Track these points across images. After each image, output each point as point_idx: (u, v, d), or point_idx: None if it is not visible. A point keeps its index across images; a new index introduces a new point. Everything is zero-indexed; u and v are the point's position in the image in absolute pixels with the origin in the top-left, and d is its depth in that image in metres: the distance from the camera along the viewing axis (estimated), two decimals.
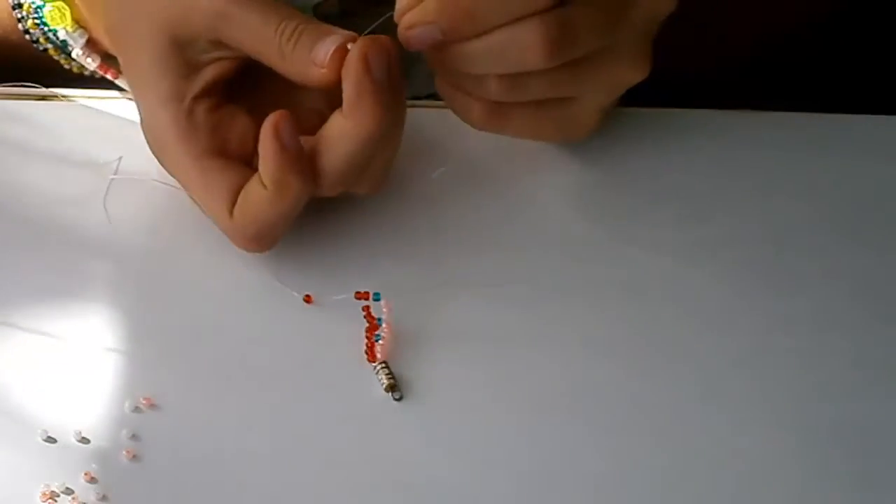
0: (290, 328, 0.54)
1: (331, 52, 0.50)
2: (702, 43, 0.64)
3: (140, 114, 0.54)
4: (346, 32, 0.51)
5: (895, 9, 0.69)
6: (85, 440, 0.50)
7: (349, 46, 0.50)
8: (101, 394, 0.51)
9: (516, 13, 0.50)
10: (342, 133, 0.51)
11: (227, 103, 0.54)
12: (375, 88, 0.50)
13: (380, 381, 0.52)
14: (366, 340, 0.53)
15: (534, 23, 0.50)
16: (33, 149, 0.59)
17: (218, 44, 0.52)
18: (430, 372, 0.53)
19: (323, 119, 0.52)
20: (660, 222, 0.58)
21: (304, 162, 0.51)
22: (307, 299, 0.54)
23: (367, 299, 0.54)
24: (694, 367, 0.53)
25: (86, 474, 0.49)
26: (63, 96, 0.60)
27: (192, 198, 0.54)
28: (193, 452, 0.50)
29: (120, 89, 0.60)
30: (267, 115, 0.51)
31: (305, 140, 0.51)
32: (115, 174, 0.58)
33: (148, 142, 0.54)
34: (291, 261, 0.56)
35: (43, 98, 0.61)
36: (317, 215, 0.57)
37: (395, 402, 0.52)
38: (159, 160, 0.54)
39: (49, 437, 0.50)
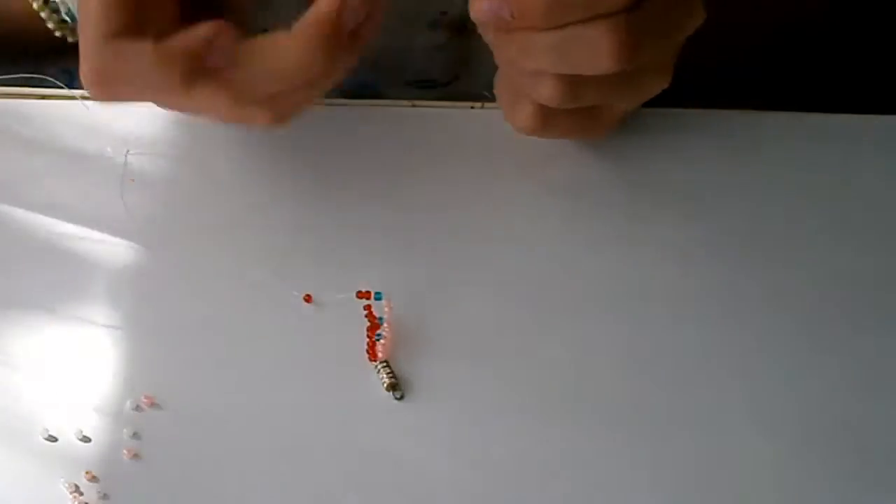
0: (291, 327, 0.54)
1: None
2: (702, 43, 0.64)
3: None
4: None
5: (895, 8, 0.69)
6: (86, 439, 0.50)
7: None
8: (103, 392, 0.51)
9: (592, 11, 0.49)
10: (278, 48, 0.49)
11: None
12: (334, 34, 0.48)
13: (381, 380, 0.52)
14: (367, 339, 0.53)
15: (608, 24, 0.49)
16: (32, 148, 0.59)
17: None
18: (432, 371, 0.53)
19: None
20: (660, 222, 0.58)
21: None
22: (307, 299, 0.54)
23: (368, 298, 0.54)
24: (695, 366, 0.53)
25: (87, 473, 0.49)
26: (61, 96, 0.60)
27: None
28: (194, 451, 0.50)
29: None
30: (196, 10, 0.49)
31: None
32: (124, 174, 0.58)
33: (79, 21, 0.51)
34: (292, 259, 0.56)
35: (44, 97, 0.61)
36: (318, 214, 0.57)
37: (396, 402, 0.52)
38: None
39: (50, 435, 0.50)
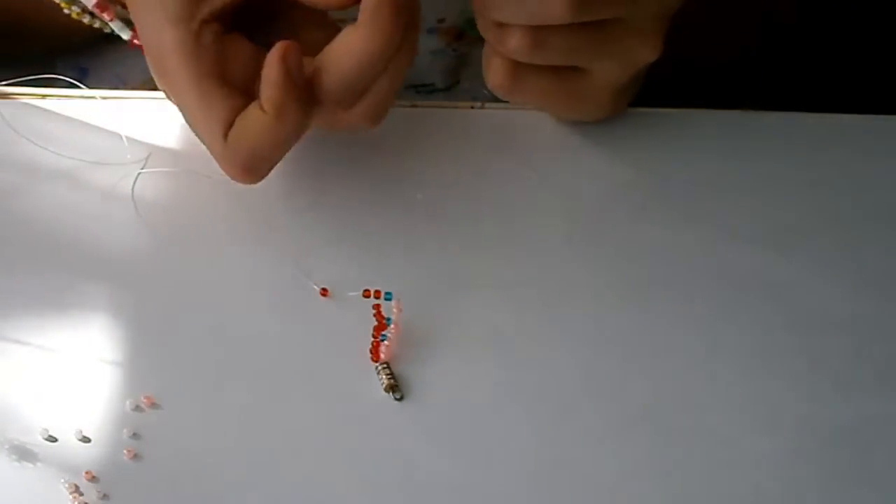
0: (290, 328, 0.54)
1: None
2: (701, 43, 0.64)
3: (143, 37, 0.54)
4: None
5: (894, 8, 0.70)
6: (86, 439, 0.50)
7: None
8: (102, 393, 0.51)
9: None
10: (349, 48, 0.51)
11: (234, 31, 0.53)
12: (396, 4, 0.50)
13: (380, 381, 0.52)
14: (372, 339, 0.53)
15: None
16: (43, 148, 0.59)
17: None
18: (434, 372, 0.52)
19: None
20: (661, 222, 0.58)
21: (305, 90, 0.51)
22: (323, 292, 0.54)
23: (377, 298, 0.54)
24: (696, 366, 0.53)
25: (87, 473, 0.49)
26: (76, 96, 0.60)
27: (187, 122, 0.54)
28: (194, 451, 0.50)
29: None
30: (271, 47, 0.51)
31: (307, 61, 0.51)
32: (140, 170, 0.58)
33: (150, 63, 0.54)
34: (291, 261, 0.56)
35: (58, 97, 0.61)
36: (316, 214, 0.57)
37: (398, 402, 0.52)
38: (159, 82, 0.54)
39: (50, 436, 0.50)
